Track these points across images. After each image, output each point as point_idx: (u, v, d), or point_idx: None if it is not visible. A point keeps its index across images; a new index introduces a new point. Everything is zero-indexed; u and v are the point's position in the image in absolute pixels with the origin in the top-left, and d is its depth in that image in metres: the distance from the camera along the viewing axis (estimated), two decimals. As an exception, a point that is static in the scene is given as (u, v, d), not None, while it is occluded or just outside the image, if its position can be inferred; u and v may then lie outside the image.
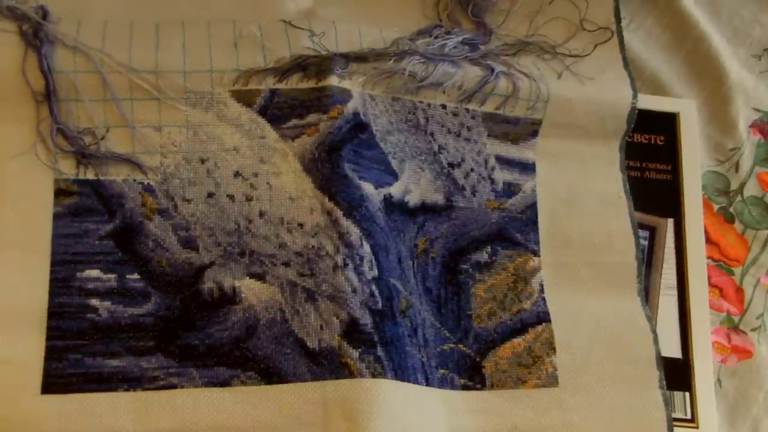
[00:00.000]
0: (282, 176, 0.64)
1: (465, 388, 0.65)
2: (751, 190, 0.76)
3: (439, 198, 0.68)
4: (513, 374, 0.66)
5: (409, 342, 0.63)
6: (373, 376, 0.60)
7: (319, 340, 0.62)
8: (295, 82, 0.66)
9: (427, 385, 0.63)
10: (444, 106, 0.69)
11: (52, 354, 0.60)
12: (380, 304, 0.62)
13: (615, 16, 0.76)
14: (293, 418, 0.60)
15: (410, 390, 0.62)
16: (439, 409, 0.63)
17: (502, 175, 0.70)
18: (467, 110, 0.69)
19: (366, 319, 0.62)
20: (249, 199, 0.64)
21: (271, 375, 0.61)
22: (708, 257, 0.72)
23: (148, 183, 0.64)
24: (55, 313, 0.60)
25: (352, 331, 0.61)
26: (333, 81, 0.65)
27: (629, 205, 0.71)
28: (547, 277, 0.68)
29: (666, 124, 0.76)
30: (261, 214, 0.64)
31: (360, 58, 0.67)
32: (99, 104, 0.64)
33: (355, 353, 0.61)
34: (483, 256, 0.68)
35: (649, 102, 0.75)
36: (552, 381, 0.66)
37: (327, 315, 0.62)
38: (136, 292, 0.62)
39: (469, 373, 0.65)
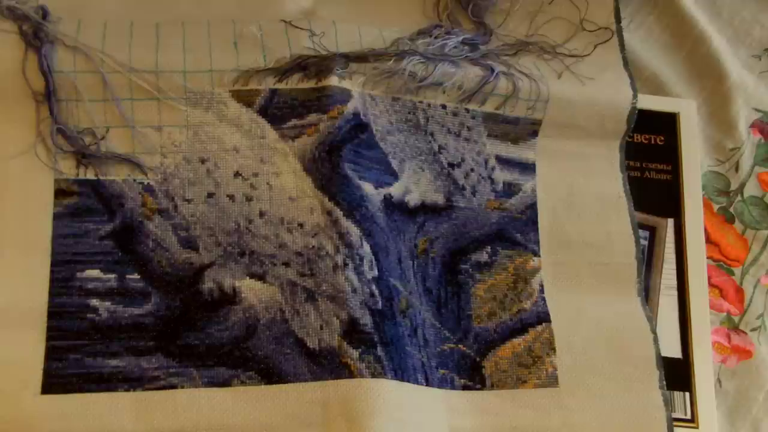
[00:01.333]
0: (282, 176, 0.65)
1: (465, 388, 0.65)
2: (751, 190, 0.76)
3: (439, 198, 0.68)
4: (513, 374, 0.66)
5: (409, 342, 0.63)
6: (373, 376, 0.60)
7: (319, 340, 0.62)
8: (295, 82, 0.66)
9: (427, 385, 0.63)
10: (444, 106, 0.69)
11: (52, 354, 0.60)
12: (380, 304, 0.62)
13: (615, 16, 0.76)
14: (293, 418, 0.60)
15: (410, 390, 0.62)
16: (439, 409, 0.63)
17: (502, 175, 0.70)
18: (467, 110, 0.69)
19: (366, 319, 0.62)
20: (249, 199, 0.64)
21: (271, 375, 0.61)
22: (708, 257, 0.72)
23: (148, 183, 0.64)
24: (55, 313, 0.60)
25: (352, 331, 0.61)
26: (333, 81, 0.65)
27: (629, 205, 0.71)
28: (547, 277, 0.68)
29: (666, 124, 0.76)
30: (261, 214, 0.64)
31: (360, 58, 0.67)
32: (99, 104, 0.64)
33: (355, 353, 0.61)
34: (483, 256, 0.68)
35: (649, 102, 0.75)
36: (552, 381, 0.66)
37: (327, 315, 0.62)
38: (136, 292, 0.62)
39: (469, 373, 0.65)
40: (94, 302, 0.61)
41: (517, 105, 0.69)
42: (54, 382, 0.59)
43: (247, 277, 0.63)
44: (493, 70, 0.69)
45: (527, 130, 0.70)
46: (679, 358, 0.69)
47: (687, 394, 0.68)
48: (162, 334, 0.61)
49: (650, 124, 0.75)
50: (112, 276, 0.62)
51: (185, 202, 0.64)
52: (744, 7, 0.83)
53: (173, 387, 0.60)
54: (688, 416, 0.67)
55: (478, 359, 0.66)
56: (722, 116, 0.78)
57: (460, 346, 0.66)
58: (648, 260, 0.71)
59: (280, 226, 0.64)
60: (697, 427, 0.67)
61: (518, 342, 0.66)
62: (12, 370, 0.59)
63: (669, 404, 0.66)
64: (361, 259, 0.63)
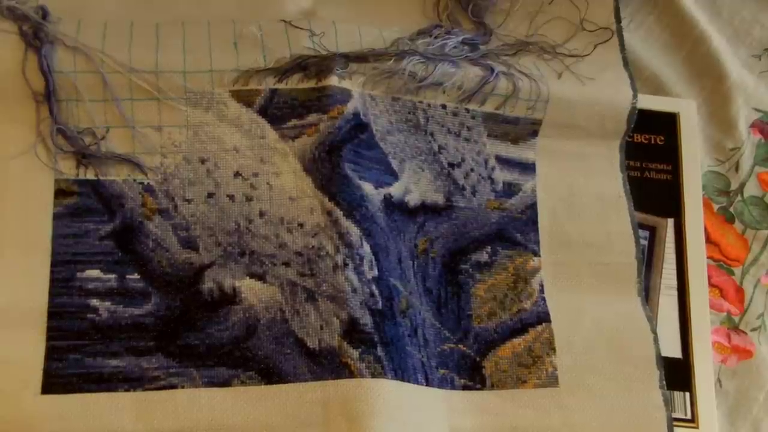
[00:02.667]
0: (282, 176, 0.65)
1: (465, 388, 0.65)
2: (752, 190, 0.76)
3: (439, 198, 0.68)
4: (513, 374, 0.66)
5: (409, 342, 0.63)
6: (373, 376, 0.60)
7: (319, 340, 0.62)
8: (295, 82, 0.66)
9: (427, 385, 0.63)
10: (444, 106, 0.69)
11: (52, 354, 0.60)
12: (380, 304, 0.62)
13: (615, 16, 0.76)
14: (293, 418, 0.60)
15: (410, 390, 0.62)
16: (439, 409, 0.63)
17: (502, 175, 0.70)
18: (467, 110, 0.69)
19: (366, 319, 0.62)
20: (249, 199, 0.64)
21: (271, 375, 0.61)
22: (708, 257, 0.72)
23: (148, 183, 0.64)
24: (55, 313, 0.60)
25: (352, 331, 0.61)
26: (333, 81, 0.65)
27: (629, 205, 0.71)
28: (547, 277, 0.68)
29: (666, 124, 0.76)
30: (261, 214, 0.64)
31: (360, 58, 0.67)
32: (99, 104, 0.64)
33: (355, 353, 0.61)
34: (483, 256, 0.68)
35: (649, 102, 0.75)
36: (552, 381, 0.66)
37: (327, 315, 0.62)
38: (137, 292, 0.62)
39: (469, 373, 0.65)
40: (95, 302, 0.61)
41: (517, 105, 0.69)
42: (54, 382, 0.59)
43: (247, 277, 0.63)
44: (493, 70, 0.69)
45: (527, 130, 0.70)
46: (679, 358, 0.69)
47: (687, 394, 0.68)
48: (162, 334, 0.61)
49: (650, 124, 0.75)
50: (112, 276, 0.62)
51: (185, 202, 0.64)
52: (744, 7, 0.83)
53: (173, 387, 0.60)
54: (689, 416, 0.67)
55: (478, 359, 0.66)
56: (722, 116, 0.78)
57: (460, 346, 0.66)
58: (648, 260, 0.71)
59: (280, 226, 0.64)
60: (697, 427, 0.67)
61: (518, 342, 0.66)
62: (12, 370, 0.59)
63: (669, 404, 0.66)
64: (361, 259, 0.63)
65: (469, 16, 0.74)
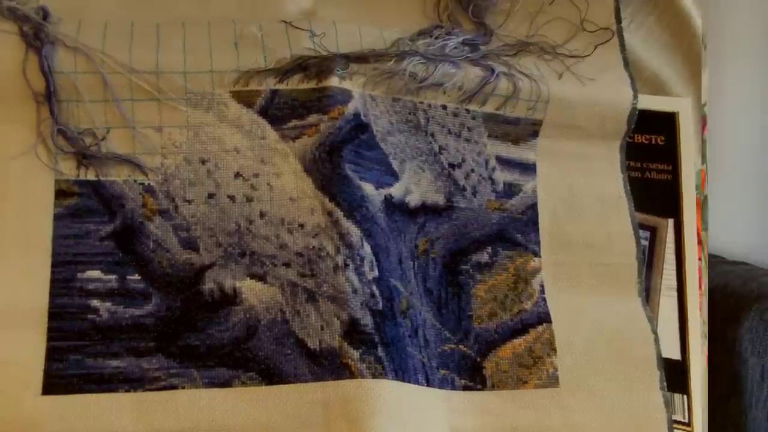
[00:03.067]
0: (282, 177, 0.65)
1: (466, 388, 0.65)
2: (752, 190, 0.76)
3: (439, 199, 0.68)
4: (513, 375, 0.66)
5: (410, 342, 0.63)
6: (374, 376, 0.61)
7: (319, 340, 0.62)
8: (296, 83, 0.66)
9: (427, 386, 0.63)
10: (444, 107, 0.69)
11: (53, 355, 0.60)
12: (381, 305, 0.62)
13: (615, 16, 0.76)
14: (294, 419, 0.60)
15: (411, 390, 0.62)
16: (439, 410, 0.63)
17: (502, 176, 0.70)
18: (468, 111, 0.69)
19: (367, 320, 0.62)
20: (249, 199, 0.64)
21: (271, 375, 0.61)
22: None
23: (149, 184, 0.64)
24: (55, 313, 0.60)
25: (352, 331, 0.61)
26: (333, 82, 0.65)
27: (630, 206, 0.71)
28: (548, 278, 0.68)
29: (666, 124, 0.76)
30: (261, 215, 0.64)
31: (360, 58, 0.67)
32: (99, 105, 0.64)
33: (356, 354, 0.61)
34: (483, 256, 0.68)
35: (650, 102, 0.75)
36: (552, 381, 0.66)
37: (328, 315, 0.62)
38: (137, 293, 0.62)
39: (469, 373, 0.65)
40: (95, 303, 0.61)
41: (518, 105, 0.69)
42: (55, 383, 0.59)
43: (248, 278, 0.63)
44: (493, 71, 0.69)
45: (528, 130, 0.70)
46: (678, 360, 0.69)
47: (685, 396, 0.68)
48: (162, 334, 0.61)
49: (650, 124, 0.75)
50: (112, 277, 0.62)
51: (186, 202, 0.64)
52: (744, 8, 0.83)
53: (174, 388, 0.60)
54: (686, 420, 0.67)
55: (478, 360, 0.66)
56: (722, 116, 0.78)
57: (460, 346, 0.66)
58: (649, 261, 0.71)
59: (281, 226, 0.64)
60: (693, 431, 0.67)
61: (519, 342, 0.67)
62: (13, 370, 0.59)
63: (669, 405, 0.66)
64: (362, 259, 0.63)
65: (469, 16, 0.74)
